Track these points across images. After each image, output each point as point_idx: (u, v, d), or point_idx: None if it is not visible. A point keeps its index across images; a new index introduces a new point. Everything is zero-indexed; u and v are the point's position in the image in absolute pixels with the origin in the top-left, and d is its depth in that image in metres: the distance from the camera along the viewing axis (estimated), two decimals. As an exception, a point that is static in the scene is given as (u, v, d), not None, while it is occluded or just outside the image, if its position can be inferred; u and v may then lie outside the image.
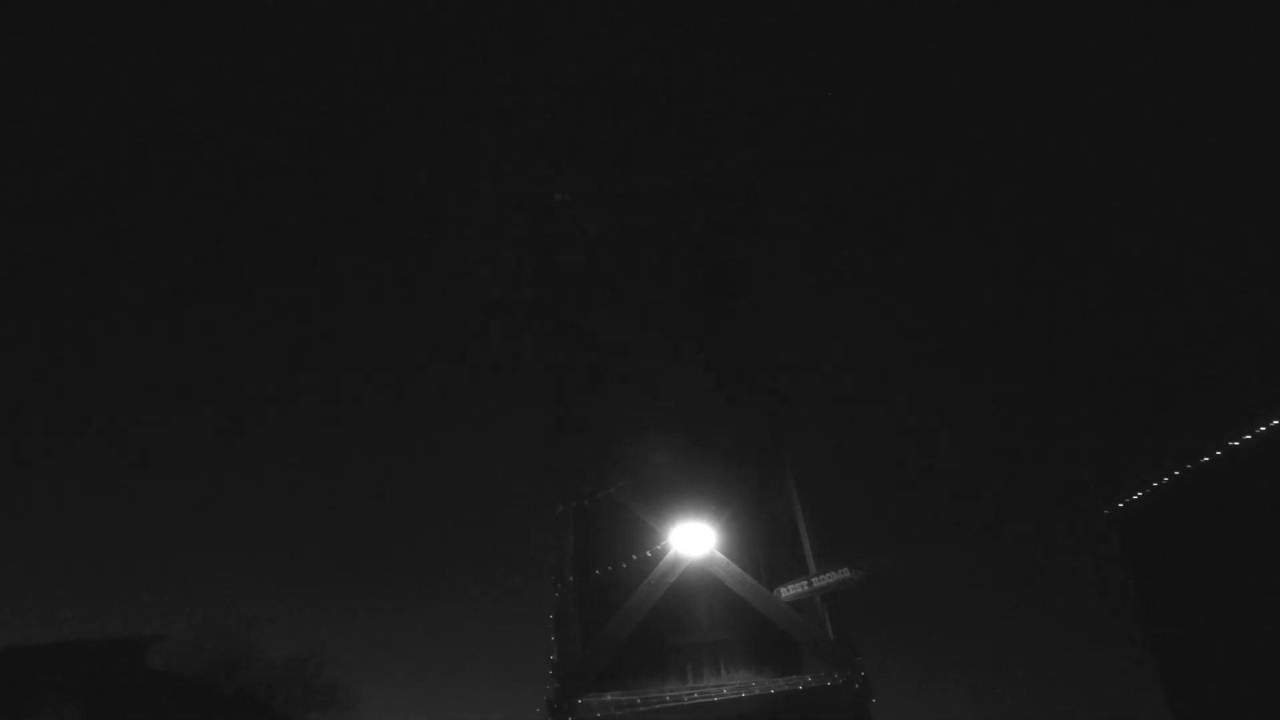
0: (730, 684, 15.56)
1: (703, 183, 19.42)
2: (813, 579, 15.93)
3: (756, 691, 15.24)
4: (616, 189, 19.15)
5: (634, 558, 16.40)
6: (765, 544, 17.16)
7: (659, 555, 16.22)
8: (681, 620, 16.35)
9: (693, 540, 16.21)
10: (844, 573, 15.70)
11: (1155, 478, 21.86)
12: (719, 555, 16.19)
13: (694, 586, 16.30)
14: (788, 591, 16.00)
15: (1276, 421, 19.30)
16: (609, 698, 15.21)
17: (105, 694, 21.07)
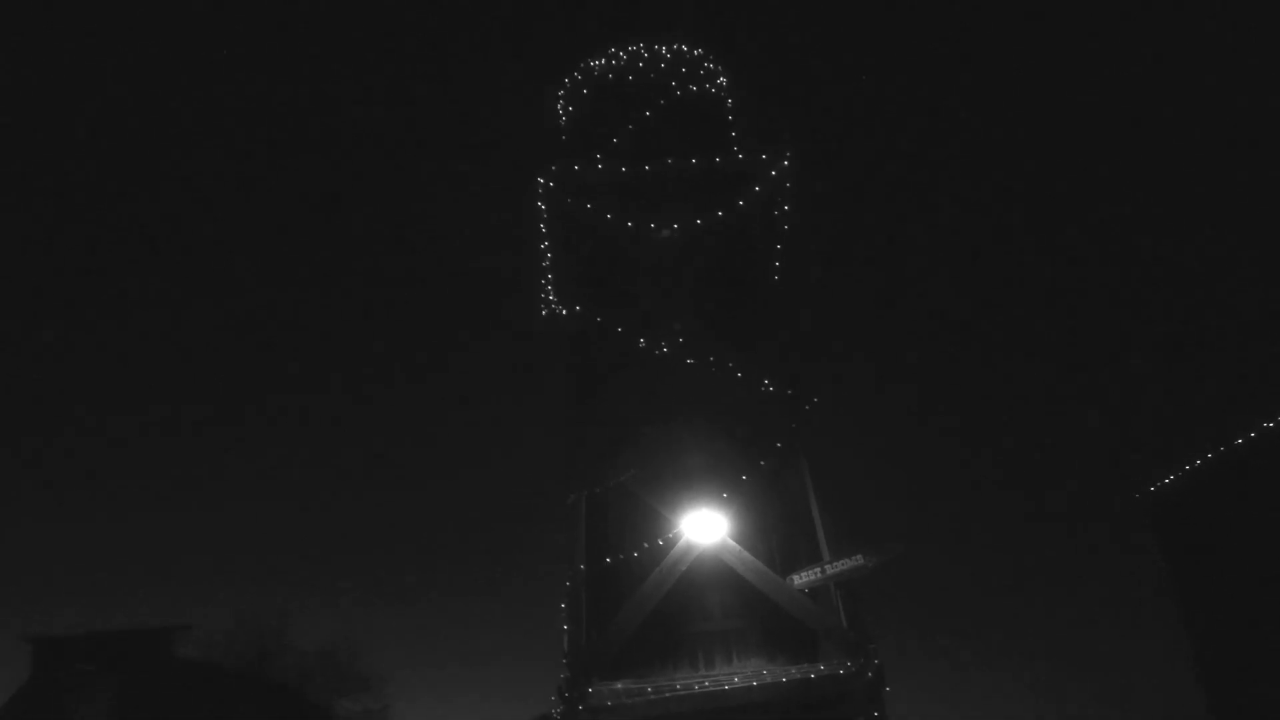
0: (742, 672, 15.41)
1: (728, 173, 19.31)
2: (826, 566, 15.70)
3: (768, 680, 15.06)
4: (640, 175, 19.12)
5: (645, 546, 16.34)
6: (779, 531, 16.98)
7: (671, 543, 16.12)
8: (693, 608, 16.25)
9: (704, 528, 16.08)
10: (858, 560, 15.45)
11: (1189, 461, 21.27)
12: (731, 543, 16.03)
13: (706, 574, 16.17)
14: (800, 579, 15.79)
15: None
16: (620, 686, 15.16)
17: (136, 682, 21.63)
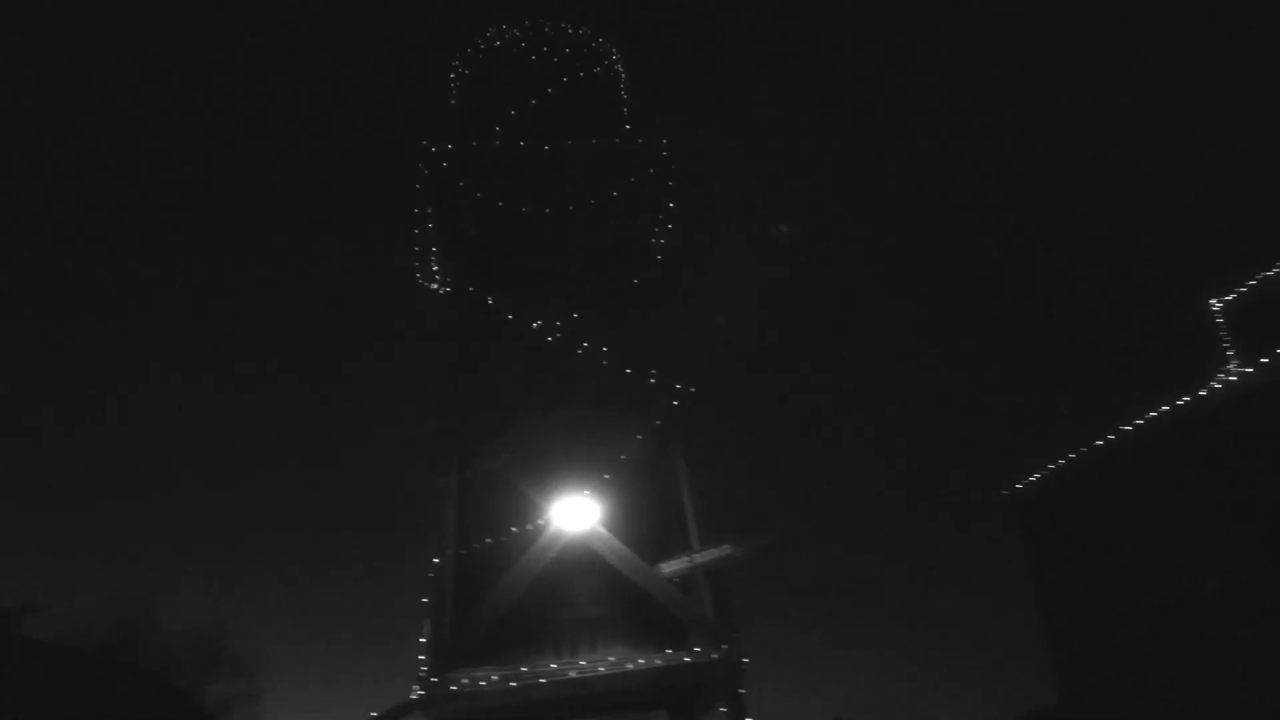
0: (606, 660, 15.31)
1: (614, 151, 19.03)
2: (695, 555, 15.72)
3: (631, 668, 15.00)
4: (523, 154, 18.69)
5: (514, 532, 16.07)
6: (651, 519, 16.92)
7: (540, 529, 15.89)
8: (561, 595, 16.05)
9: (575, 514, 15.88)
10: (726, 549, 15.52)
11: (1053, 460, 22.15)
12: (601, 530, 15.88)
13: (575, 561, 15.97)
14: (669, 567, 15.77)
15: (1167, 407, 19.58)
16: (481, 674, 14.87)
17: (-28, 665, 20.24)
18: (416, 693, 14.81)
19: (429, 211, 18.60)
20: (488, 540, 16.09)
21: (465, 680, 14.74)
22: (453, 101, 21.08)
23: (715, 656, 15.07)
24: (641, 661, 15.22)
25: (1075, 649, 21.63)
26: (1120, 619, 20.35)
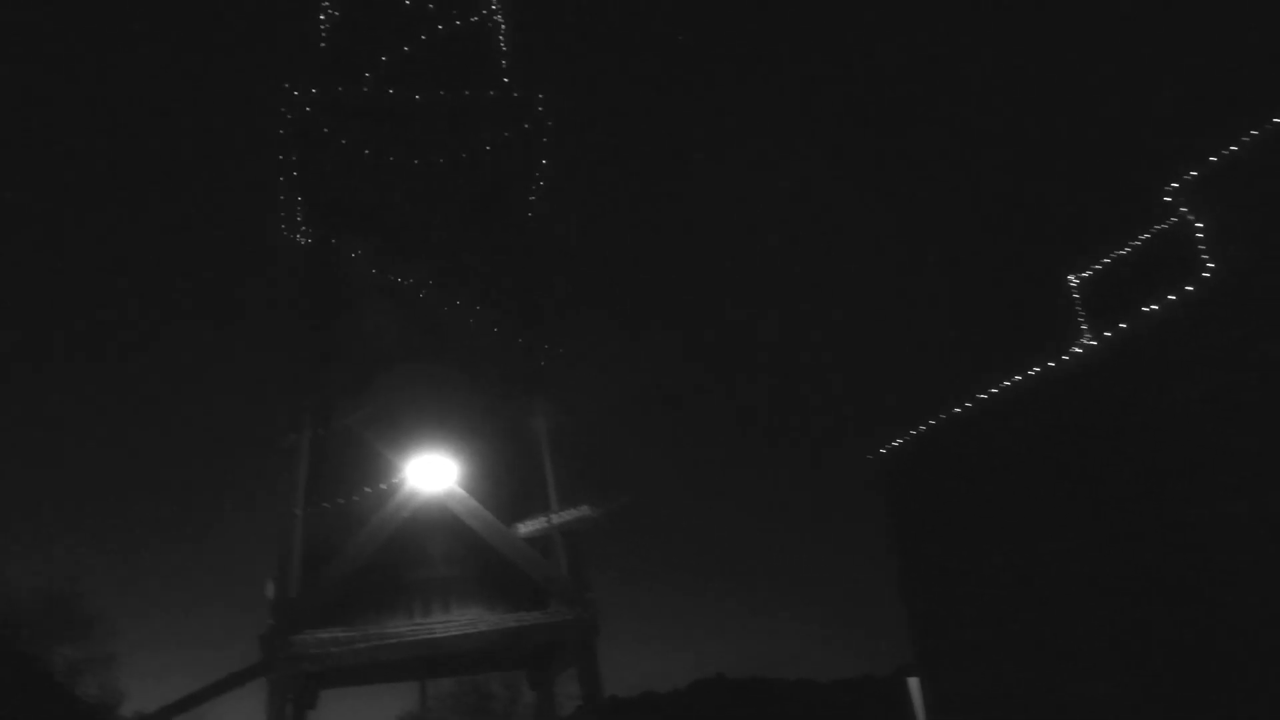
0: (459, 620, 15.17)
1: (484, 104, 18.45)
2: (552, 516, 15.68)
3: (483, 627, 14.91)
4: (387, 102, 17.94)
5: (367, 491, 15.67)
6: (512, 479, 16.74)
7: (394, 489, 15.54)
8: (415, 555, 15.78)
9: (431, 474, 15.60)
10: (584, 510, 15.53)
11: (915, 426, 22.87)
12: (458, 490, 15.65)
13: (431, 521, 15.72)
14: (526, 528, 15.68)
15: (1019, 377, 20.40)
16: (327, 635, 14.54)
17: None
18: (261, 654, 14.40)
19: (291, 158, 17.75)
20: (339, 499, 15.65)
21: (311, 641, 14.39)
22: (321, 44, 20.08)
23: (569, 617, 15.09)
24: (494, 621, 15.13)
25: (928, 607, 22.55)
26: (969, 579, 21.29)
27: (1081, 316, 23.63)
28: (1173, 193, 18.07)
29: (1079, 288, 23.77)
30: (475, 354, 17.03)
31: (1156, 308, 17.72)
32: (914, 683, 23.66)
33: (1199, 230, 17.31)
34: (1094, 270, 23.28)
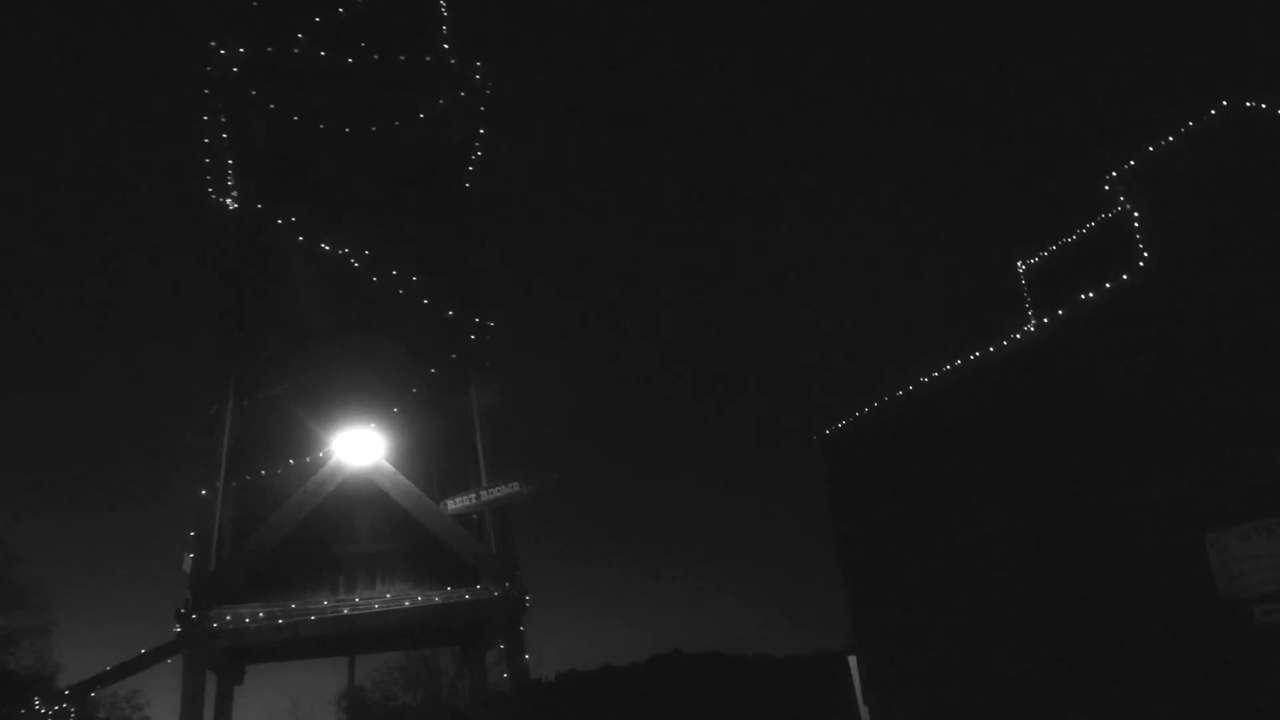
0: (382, 596, 14.95)
1: (427, 74, 17.91)
2: (481, 492, 15.43)
3: (406, 604, 14.70)
4: (322, 69, 17.37)
5: (291, 464, 15.35)
6: (443, 455, 16.49)
7: (321, 462, 15.23)
8: (341, 531, 15.53)
9: (359, 448, 15.30)
10: (514, 486, 15.28)
11: (858, 409, 22.93)
12: (385, 464, 15.37)
13: (358, 495, 15.45)
14: (454, 504, 15.43)
15: (960, 361, 20.47)
16: (246, 610, 14.26)
17: None
18: (176, 630, 14.09)
19: (220, 120, 17.16)
20: (262, 472, 15.32)
21: (228, 616, 14.10)
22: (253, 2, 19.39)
23: (495, 594, 14.93)
24: (420, 598, 14.94)
25: (866, 587, 22.72)
26: (906, 559, 21.46)
27: (1029, 303, 23.80)
28: (1112, 181, 18.14)
29: (1026, 274, 23.92)
30: (409, 327, 16.67)
31: (1091, 295, 17.84)
32: (854, 661, 23.91)
33: (1135, 219, 17.41)
34: (1041, 257, 23.43)
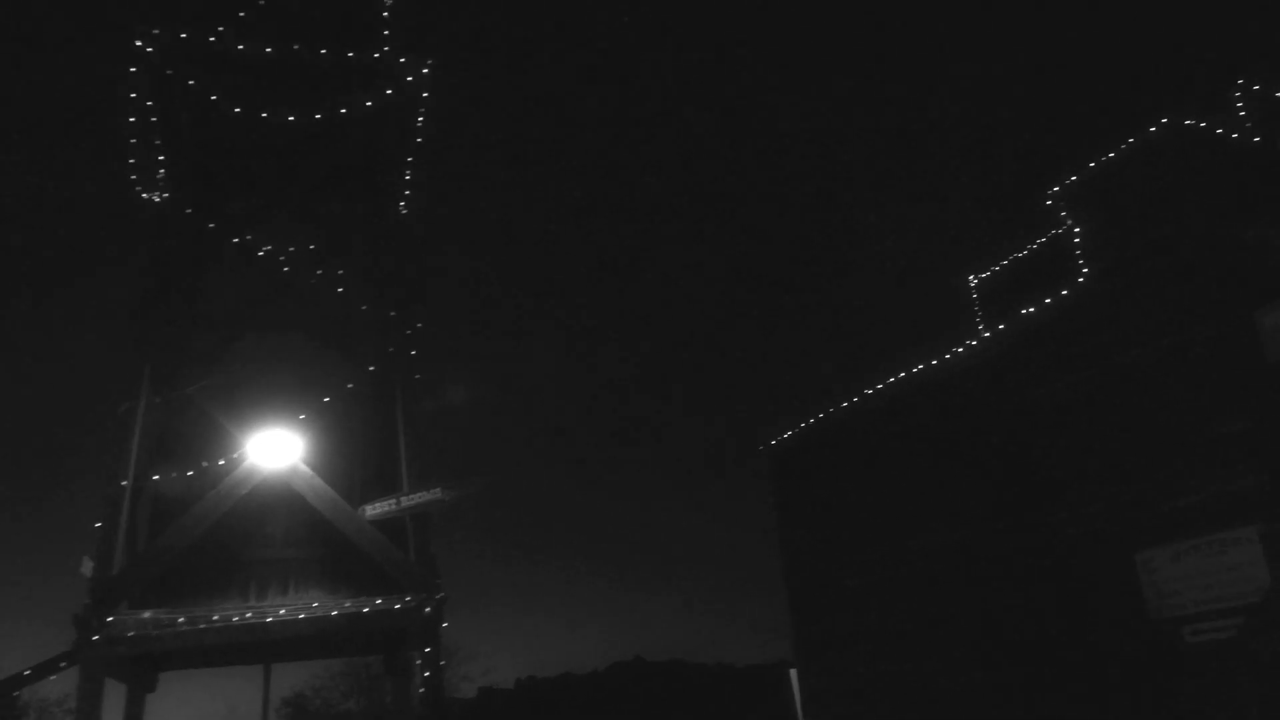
0: (295, 604, 14.45)
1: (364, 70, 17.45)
2: (401, 498, 14.98)
3: (317, 613, 14.21)
4: (250, 59, 16.87)
5: (205, 465, 14.83)
6: (365, 459, 16.02)
7: (234, 464, 14.72)
8: (254, 535, 15.00)
9: (274, 450, 14.78)
10: (436, 493, 14.85)
11: (805, 419, 22.74)
12: (303, 468, 14.87)
13: (273, 499, 14.93)
14: (374, 510, 14.96)
15: (903, 373, 20.32)
16: (147, 615, 13.71)
17: None
18: (74, 637, 13.51)
19: (147, 104, 16.60)
20: (173, 473, 14.78)
21: (130, 622, 13.54)
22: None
23: (411, 603, 14.48)
24: (334, 606, 14.45)
25: (807, 599, 22.50)
26: (846, 571, 21.27)
27: (979, 317, 23.71)
28: (1054, 197, 18.06)
29: (978, 288, 23.84)
30: (334, 328, 16.22)
31: (1032, 310, 17.72)
32: (794, 673, 23.68)
33: (1075, 235, 17.32)
34: (993, 272, 23.36)
